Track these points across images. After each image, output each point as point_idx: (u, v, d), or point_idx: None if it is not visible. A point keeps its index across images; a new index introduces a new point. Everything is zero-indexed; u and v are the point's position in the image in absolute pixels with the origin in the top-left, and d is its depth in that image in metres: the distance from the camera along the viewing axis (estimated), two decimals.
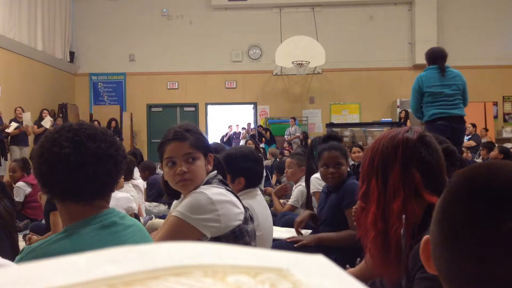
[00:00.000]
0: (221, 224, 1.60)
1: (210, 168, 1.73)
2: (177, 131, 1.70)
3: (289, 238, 2.64)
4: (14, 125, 8.74)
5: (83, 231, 1.15)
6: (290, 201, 3.90)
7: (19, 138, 8.82)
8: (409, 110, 11.58)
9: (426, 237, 0.68)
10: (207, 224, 1.58)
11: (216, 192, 1.63)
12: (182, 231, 1.57)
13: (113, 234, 1.18)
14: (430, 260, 0.66)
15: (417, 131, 1.27)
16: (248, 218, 1.74)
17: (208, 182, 1.69)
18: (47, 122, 9.28)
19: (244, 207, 1.75)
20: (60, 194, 1.17)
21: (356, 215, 1.35)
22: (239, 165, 2.31)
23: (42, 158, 1.13)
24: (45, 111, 9.82)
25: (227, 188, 1.73)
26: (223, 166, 1.90)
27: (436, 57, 4.85)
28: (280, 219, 3.52)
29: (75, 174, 1.12)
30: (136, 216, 3.81)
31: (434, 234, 0.66)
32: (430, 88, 4.70)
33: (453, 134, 4.16)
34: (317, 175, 3.53)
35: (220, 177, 1.76)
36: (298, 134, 11.78)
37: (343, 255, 2.16)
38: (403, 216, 1.17)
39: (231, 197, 1.69)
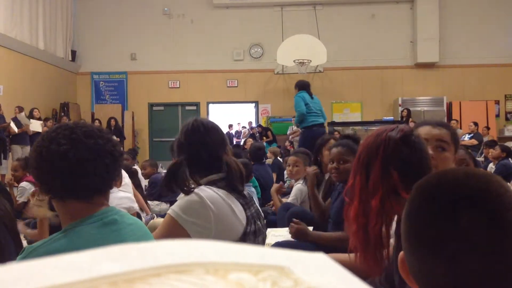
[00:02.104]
0: (208, 234, 1.55)
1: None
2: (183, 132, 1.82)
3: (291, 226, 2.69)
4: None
5: (84, 229, 1.15)
6: (289, 199, 3.90)
7: (20, 137, 8.84)
8: (411, 109, 11.60)
9: (401, 254, 0.70)
10: (194, 227, 1.55)
11: (212, 196, 1.58)
12: (174, 230, 1.56)
13: (113, 232, 1.19)
14: (410, 275, 0.68)
15: (402, 129, 1.27)
16: (250, 232, 1.64)
17: (210, 183, 1.65)
18: (37, 126, 9.09)
19: (248, 219, 1.65)
20: (60, 192, 1.17)
21: (344, 209, 1.37)
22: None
23: (41, 157, 1.13)
24: (36, 110, 9.70)
25: (235, 194, 1.66)
26: (240, 169, 1.80)
27: (305, 85, 7.29)
28: (284, 212, 3.47)
29: (74, 170, 1.14)
30: (138, 215, 3.82)
31: (404, 246, 0.68)
32: (306, 101, 6.88)
33: (322, 134, 5.59)
34: None
35: (224, 182, 1.67)
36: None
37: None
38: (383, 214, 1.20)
39: (233, 207, 1.62)
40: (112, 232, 1.18)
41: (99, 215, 1.19)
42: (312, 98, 7.05)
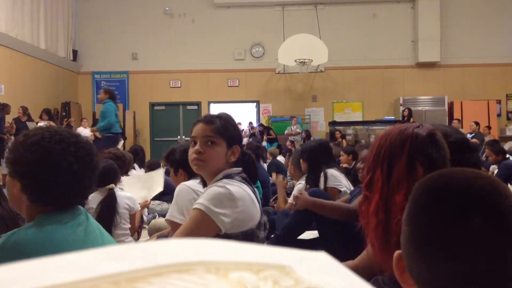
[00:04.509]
0: (236, 222, 1.59)
1: (233, 159, 1.71)
2: (209, 115, 1.75)
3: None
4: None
5: (53, 219, 1.19)
6: (291, 199, 3.91)
7: None
8: (412, 108, 11.59)
9: (398, 252, 0.70)
10: (224, 219, 1.57)
11: (238, 190, 1.62)
12: (202, 223, 1.57)
13: (82, 222, 1.24)
14: (405, 273, 0.68)
15: (427, 128, 1.28)
16: (263, 224, 1.71)
17: (229, 176, 1.68)
18: None
19: (261, 212, 1.73)
20: (49, 200, 1.20)
21: (359, 203, 1.36)
22: (178, 157, 2.49)
23: (43, 166, 1.16)
24: (44, 115, 9.68)
25: (251, 187, 1.72)
26: (255, 166, 1.88)
27: (115, 96, 7.74)
28: (284, 217, 3.47)
29: (75, 183, 1.19)
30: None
31: (405, 247, 0.68)
32: (116, 113, 7.58)
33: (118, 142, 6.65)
34: (333, 171, 3.56)
35: (244, 175, 1.73)
36: (299, 131, 11.75)
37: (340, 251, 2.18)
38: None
39: (253, 197, 1.68)
40: (80, 224, 1.23)
41: (66, 211, 1.23)
42: (117, 107, 7.81)
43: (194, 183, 2.36)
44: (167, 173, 5.67)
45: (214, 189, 1.61)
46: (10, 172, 1.20)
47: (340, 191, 3.48)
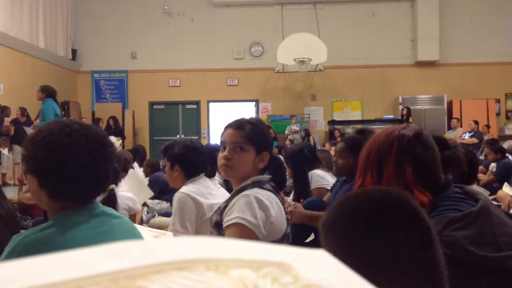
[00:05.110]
0: (268, 232, 1.56)
1: (262, 166, 1.68)
2: (239, 120, 1.72)
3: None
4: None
5: (73, 220, 1.16)
6: (290, 199, 3.91)
7: (21, 136, 8.81)
8: (411, 107, 11.59)
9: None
10: (262, 230, 1.54)
11: (268, 200, 1.59)
12: (246, 238, 1.50)
13: (102, 223, 1.20)
14: None
15: (414, 128, 1.29)
16: (287, 235, 1.67)
17: (258, 183, 1.64)
18: None
19: (287, 222, 1.69)
20: (65, 195, 1.18)
21: None
22: (177, 152, 2.41)
23: (51, 161, 1.13)
24: None
25: (278, 196, 1.69)
26: (284, 171, 1.82)
27: (54, 93, 7.18)
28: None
29: (89, 176, 1.17)
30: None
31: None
32: (56, 112, 7.03)
33: None
34: (317, 171, 3.57)
35: (273, 183, 1.70)
36: (297, 129, 11.75)
37: None
38: None
39: (281, 207, 1.65)
40: (100, 223, 1.20)
41: (87, 208, 1.20)
42: (58, 106, 7.41)
43: (193, 189, 2.31)
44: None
45: (246, 200, 1.55)
46: (26, 169, 1.18)
47: (327, 189, 3.48)
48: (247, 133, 1.65)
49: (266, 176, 1.70)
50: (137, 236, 1.32)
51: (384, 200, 0.78)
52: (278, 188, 1.73)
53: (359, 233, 0.74)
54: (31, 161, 1.16)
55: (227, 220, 1.55)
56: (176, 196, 2.31)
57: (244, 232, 1.51)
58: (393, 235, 0.73)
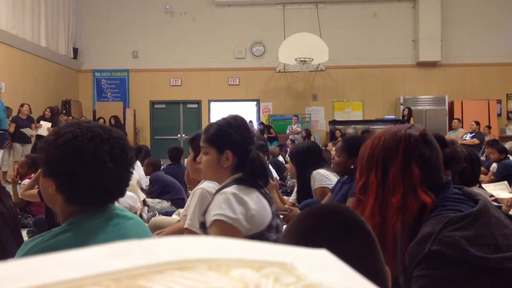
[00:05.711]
0: (249, 225, 1.58)
1: (228, 164, 1.70)
2: (209, 124, 1.82)
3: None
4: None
5: (87, 224, 1.14)
6: (291, 199, 3.91)
7: (22, 135, 8.80)
8: (413, 108, 11.59)
9: None
10: (243, 223, 1.57)
11: (246, 193, 1.63)
12: (229, 234, 1.52)
13: (115, 226, 1.18)
14: None
15: (419, 128, 1.28)
16: (275, 226, 1.69)
17: (238, 180, 1.67)
18: (44, 130, 8.83)
19: (274, 214, 1.72)
20: (86, 200, 1.15)
21: (353, 207, 1.36)
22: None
23: (77, 166, 1.11)
24: (47, 110, 9.75)
25: (261, 190, 1.71)
26: (264, 167, 1.81)
27: None
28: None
29: (112, 182, 1.15)
30: (140, 215, 3.84)
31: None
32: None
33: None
34: (321, 170, 3.56)
35: (253, 178, 1.71)
36: (299, 129, 11.76)
37: None
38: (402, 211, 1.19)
39: (261, 199, 1.68)
40: (114, 227, 1.18)
41: (101, 211, 1.18)
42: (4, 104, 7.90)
43: (212, 185, 2.30)
44: (165, 170, 5.70)
45: (223, 197, 1.60)
46: (43, 172, 1.15)
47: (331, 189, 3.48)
48: (208, 136, 1.73)
49: (239, 174, 1.72)
50: (150, 236, 1.31)
51: (335, 212, 0.78)
52: (262, 181, 1.75)
53: (312, 240, 0.74)
54: (52, 165, 1.12)
55: (208, 219, 1.60)
56: (197, 192, 2.29)
57: (226, 228, 1.55)
58: (344, 242, 0.72)
